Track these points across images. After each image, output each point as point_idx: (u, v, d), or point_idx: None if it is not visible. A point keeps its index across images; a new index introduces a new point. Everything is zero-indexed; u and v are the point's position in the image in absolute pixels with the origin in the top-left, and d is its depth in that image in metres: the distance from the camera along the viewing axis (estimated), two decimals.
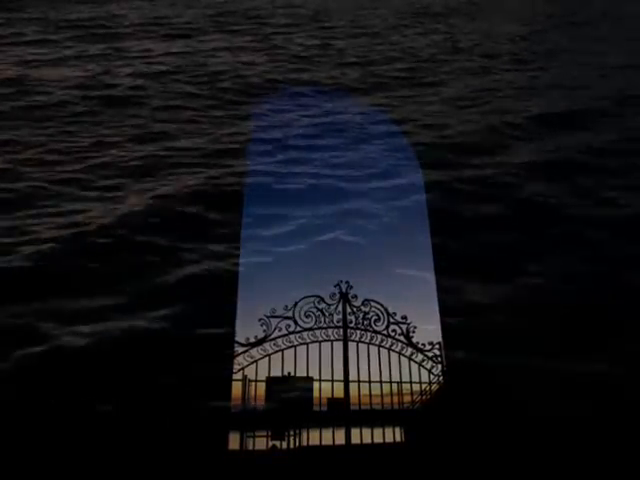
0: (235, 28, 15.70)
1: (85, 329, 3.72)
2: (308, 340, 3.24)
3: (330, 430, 2.96)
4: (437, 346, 3.27)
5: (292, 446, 2.88)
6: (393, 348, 3.27)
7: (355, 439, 2.96)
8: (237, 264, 4.45)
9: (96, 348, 3.53)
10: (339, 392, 3.13)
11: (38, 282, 4.24)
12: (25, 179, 6.17)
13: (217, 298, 3.99)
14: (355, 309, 3.34)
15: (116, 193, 5.88)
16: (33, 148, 7.08)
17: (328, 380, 3.14)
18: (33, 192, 5.88)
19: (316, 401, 3.09)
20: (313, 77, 10.85)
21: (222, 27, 15.86)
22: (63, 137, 7.50)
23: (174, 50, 12.82)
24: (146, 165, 6.66)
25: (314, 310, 3.31)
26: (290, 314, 3.30)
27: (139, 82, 10.22)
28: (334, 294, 3.37)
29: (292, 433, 2.92)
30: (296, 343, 3.23)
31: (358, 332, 3.29)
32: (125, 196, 5.83)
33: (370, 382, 3.16)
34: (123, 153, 7.01)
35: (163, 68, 11.14)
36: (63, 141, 7.35)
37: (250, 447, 2.90)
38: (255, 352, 3.20)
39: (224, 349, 3.38)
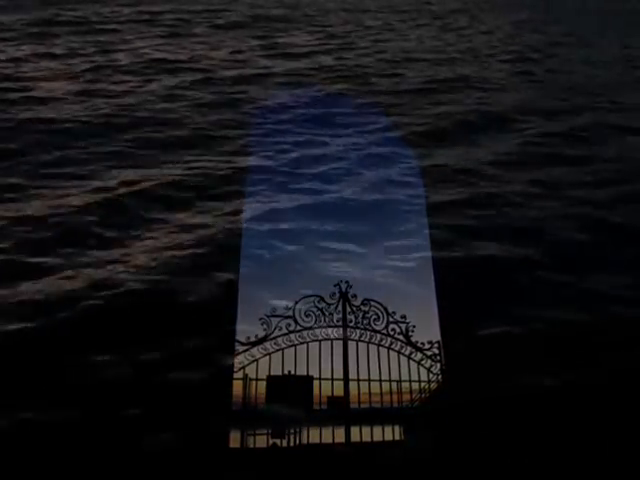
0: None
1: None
2: (308, 339, 3.27)
3: (330, 428, 2.99)
4: (436, 345, 3.29)
5: (292, 444, 2.91)
6: (392, 347, 3.29)
7: (355, 437, 2.99)
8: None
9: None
10: (339, 391, 3.15)
11: None
12: None
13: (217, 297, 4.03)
14: (355, 308, 3.37)
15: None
16: None
17: (328, 379, 3.17)
18: None
19: (316, 399, 3.12)
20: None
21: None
22: None
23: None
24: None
25: (314, 309, 3.34)
26: (290, 313, 3.33)
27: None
28: (334, 293, 3.40)
29: (292, 431, 2.95)
30: (296, 342, 3.26)
31: (358, 331, 3.32)
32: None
33: (370, 381, 3.19)
34: None
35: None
36: None
37: (251, 445, 2.93)
38: (256, 351, 3.23)
39: (225, 348, 3.42)
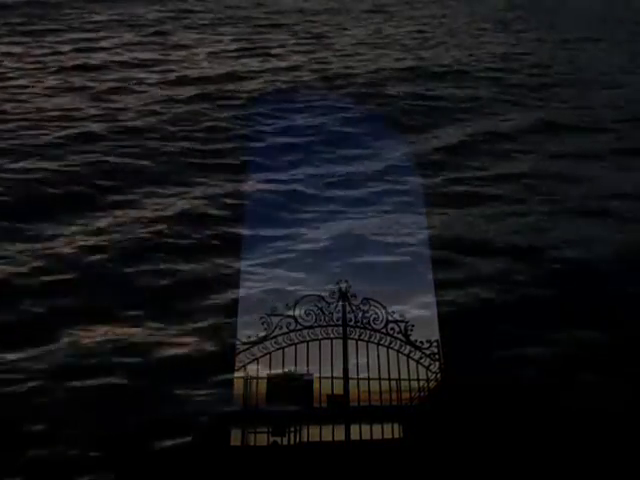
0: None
1: None
2: (308, 338, 3.29)
3: (330, 427, 3.01)
4: (435, 344, 3.31)
5: (292, 442, 2.94)
6: (392, 346, 3.32)
7: (355, 435, 3.01)
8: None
9: None
10: (339, 389, 3.18)
11: None
12: None
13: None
14: (354, 308, 3.39)
15: None
16: None
17: (328, 377, 3.19)
18: None
19: (316, 398, 3.15)
20: None
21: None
22: None
23: None
24: None
25: (314, 309, 3.36)
26: (291, 312, 3.35)
27: None
28: (334, 293, 3.42)
29: (292, 430, 2.97)
30: (296, 341, 3.28)
31: (357, 330, 3.34)
32: None
33: (369, 379, 3.21)
34: None
35: None
36: None
37: (251, 443, 2.95)
38: (256, 350, 3.25)
39: (226, 346, 3.45)
